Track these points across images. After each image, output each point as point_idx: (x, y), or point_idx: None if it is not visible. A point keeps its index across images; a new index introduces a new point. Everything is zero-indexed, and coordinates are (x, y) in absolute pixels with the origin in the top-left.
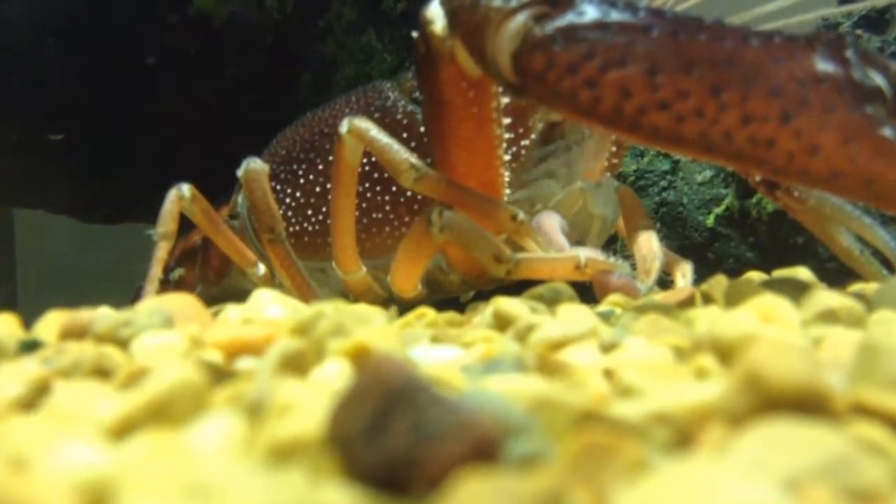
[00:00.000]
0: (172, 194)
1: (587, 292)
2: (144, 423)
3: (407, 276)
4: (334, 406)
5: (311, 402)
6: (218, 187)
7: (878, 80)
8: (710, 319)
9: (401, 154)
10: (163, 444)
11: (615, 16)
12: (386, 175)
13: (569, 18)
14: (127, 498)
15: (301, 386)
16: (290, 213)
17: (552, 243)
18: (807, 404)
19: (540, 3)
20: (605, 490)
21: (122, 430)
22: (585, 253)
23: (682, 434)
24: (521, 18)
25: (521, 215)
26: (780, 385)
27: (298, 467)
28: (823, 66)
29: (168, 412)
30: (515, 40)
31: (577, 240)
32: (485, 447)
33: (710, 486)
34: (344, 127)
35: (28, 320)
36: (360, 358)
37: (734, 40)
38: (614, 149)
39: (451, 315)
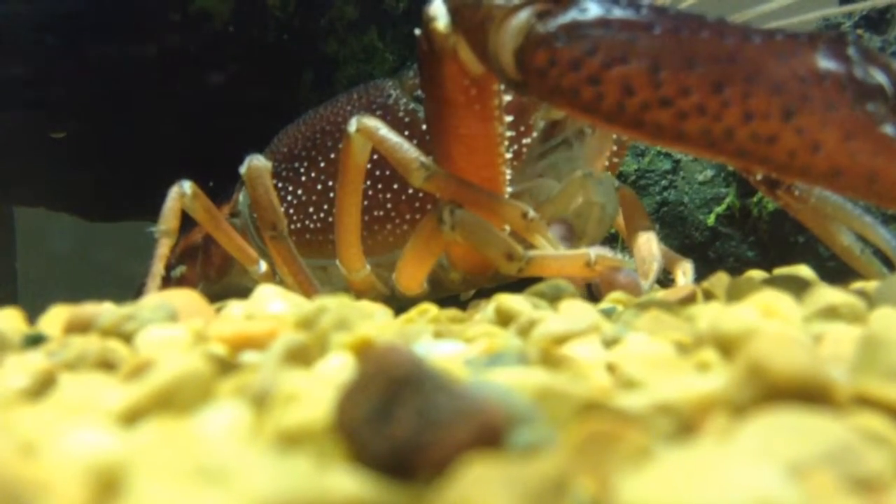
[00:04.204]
0: (174, 191)
1: (588, 290)
2: (152, 412)
3: (414, 274)
4: (340, 393)
5: (317, 392)
6: (220, 185)
7: (880, 77)
8: (712, 315)
9: (410, 153)
10: (171, 429)
11: (618, 13)
12: (388, 172)
13: (571, 15)
14: (139, 480)
15: (306, 377)
16: (292, 211)
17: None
18: (809, 395)
19: (543, 1)
20: (609, 476)
21: (130, 418)
22: (595, 250)
23: (685, 423)
24: (523, 15)
25: (532, 212)
26: (782, 376)
27: (305, 453)
28: (825, 63)
29: (175, 401)
30: (518, 37)
31: (573, 236)
32: (490, 433)
33: (714, 471)
34: (352, 126)
35: (29, 318)
36: (365, 347)
37: (736, 38)
38: (615, 148)
39: (453, 311)
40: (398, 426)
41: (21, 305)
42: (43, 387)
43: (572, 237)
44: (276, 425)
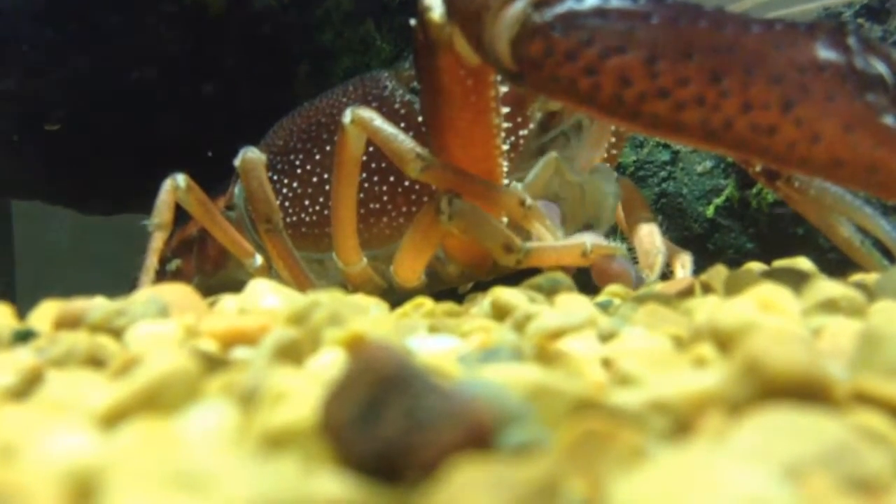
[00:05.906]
0: (167, 184)
1: (586, 284)
2: (136, 412)
3: (412, 266)
4: (327, 393)
5: (306, 391)
6: (215, 178)
7: (880, 68)
8: (710, 309)
9: (406, 144)
10: (153, 432)
11: (615, 2)
12: (384, 164)
13: (568, 5)
14: (114, 486)
15: (295, 374)
16: (287, 204)
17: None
18: (807, 392)
19: None
20: (602, 478)
21: (113, 419)
22: (590, 239)
23: (680, 422)
24: (519, 5)
25: (529, 200)
26: (780, 373)
27: (291, 456)
28: (825, 53)
29: (160, 400)
30: (514, 27)
31: (563, 218)
32: (479, 435)
33: (708, 473)
34: (347, 117)
35: (26, 312)
36: (355, 345)
37: (735, 27)
38: (613, 139)
39: (448, 305)
40: (385, 427)
41: (18, 297)
42: (29, 385)
43: (563, 219)
44: (263, 426)
